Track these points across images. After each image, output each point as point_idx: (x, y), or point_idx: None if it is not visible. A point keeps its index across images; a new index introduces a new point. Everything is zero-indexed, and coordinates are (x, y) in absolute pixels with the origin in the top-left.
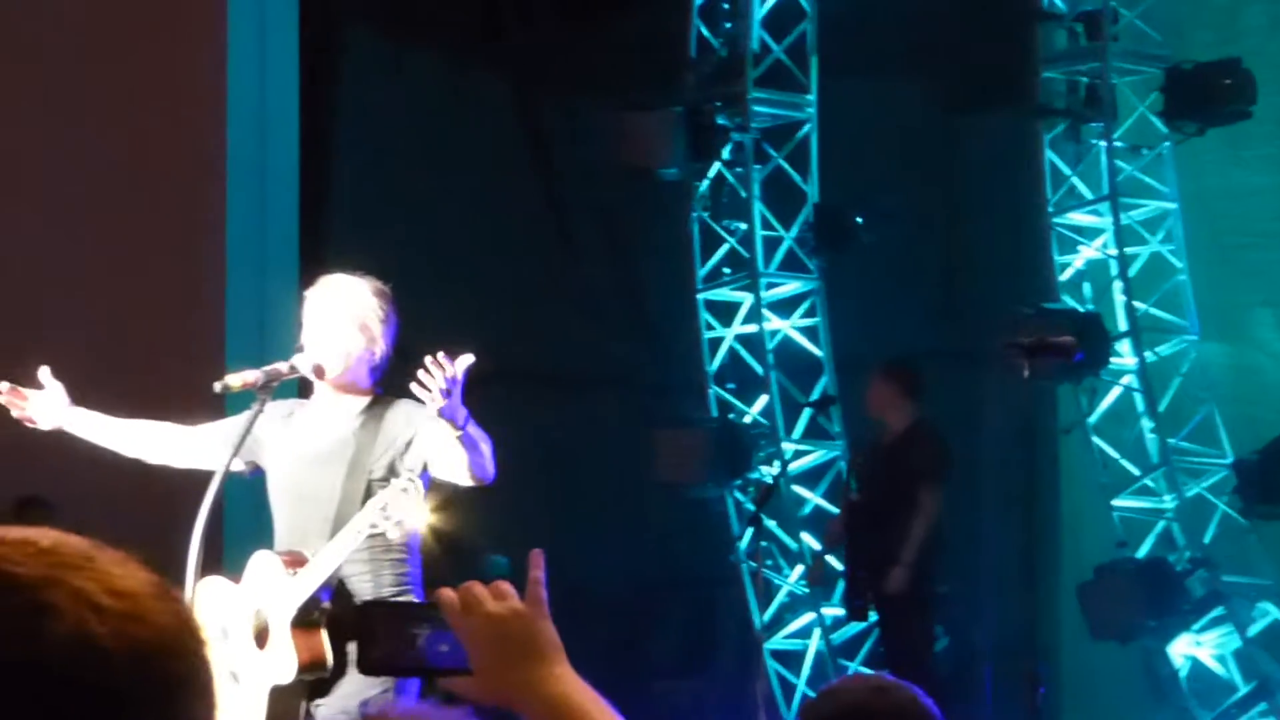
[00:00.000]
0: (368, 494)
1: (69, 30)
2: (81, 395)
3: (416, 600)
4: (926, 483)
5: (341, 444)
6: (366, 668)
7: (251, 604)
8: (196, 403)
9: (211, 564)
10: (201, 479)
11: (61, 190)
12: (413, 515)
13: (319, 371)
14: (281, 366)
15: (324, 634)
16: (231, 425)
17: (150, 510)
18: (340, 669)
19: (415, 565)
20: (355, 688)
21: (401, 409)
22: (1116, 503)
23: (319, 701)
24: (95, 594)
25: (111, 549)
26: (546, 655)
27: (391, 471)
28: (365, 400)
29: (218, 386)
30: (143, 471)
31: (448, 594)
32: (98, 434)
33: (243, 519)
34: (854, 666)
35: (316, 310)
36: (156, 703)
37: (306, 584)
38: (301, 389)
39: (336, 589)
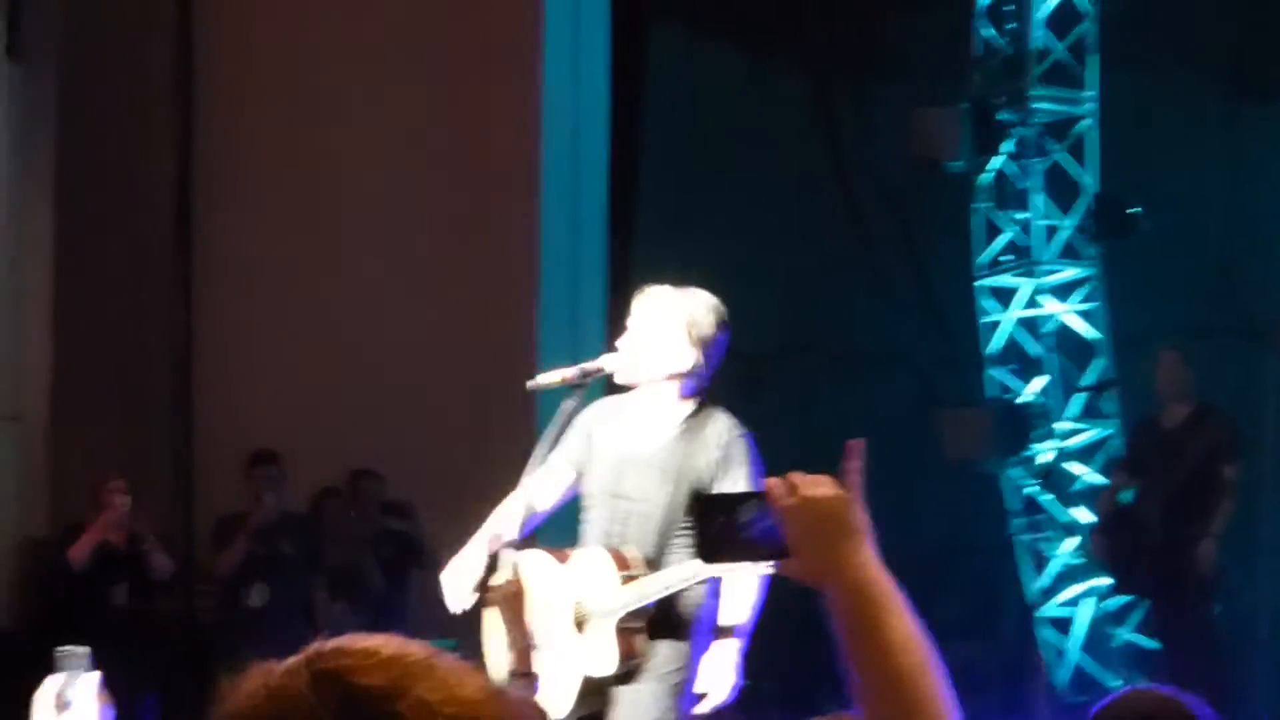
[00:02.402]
0: (690, 503)
1: (398, 46)
2: (406, 393)
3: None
4: (1229, 459)
5: (663, 451)
6: (703, 554)
7: (575, 590)
8: (511, 400)
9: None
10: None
11: (393, 196)
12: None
13: (624, 372)
14: (591, 365)
15: (644, 636)
16: (561, 450)
17: (474, 482)
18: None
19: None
20: (654, 682)
21: (720, 421)
22: None
23: (623, 687)
24: (438, 703)
25: (450, 657)
26: (856, 536)
27: (711, 485)
28: (687, 408)
29: (530, 385)
30: (468, 445)
31: (774, 480)
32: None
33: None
34: (1124, 634)
35: (643, 315)
36: None
37: (638, 597)
38: (609, 389)
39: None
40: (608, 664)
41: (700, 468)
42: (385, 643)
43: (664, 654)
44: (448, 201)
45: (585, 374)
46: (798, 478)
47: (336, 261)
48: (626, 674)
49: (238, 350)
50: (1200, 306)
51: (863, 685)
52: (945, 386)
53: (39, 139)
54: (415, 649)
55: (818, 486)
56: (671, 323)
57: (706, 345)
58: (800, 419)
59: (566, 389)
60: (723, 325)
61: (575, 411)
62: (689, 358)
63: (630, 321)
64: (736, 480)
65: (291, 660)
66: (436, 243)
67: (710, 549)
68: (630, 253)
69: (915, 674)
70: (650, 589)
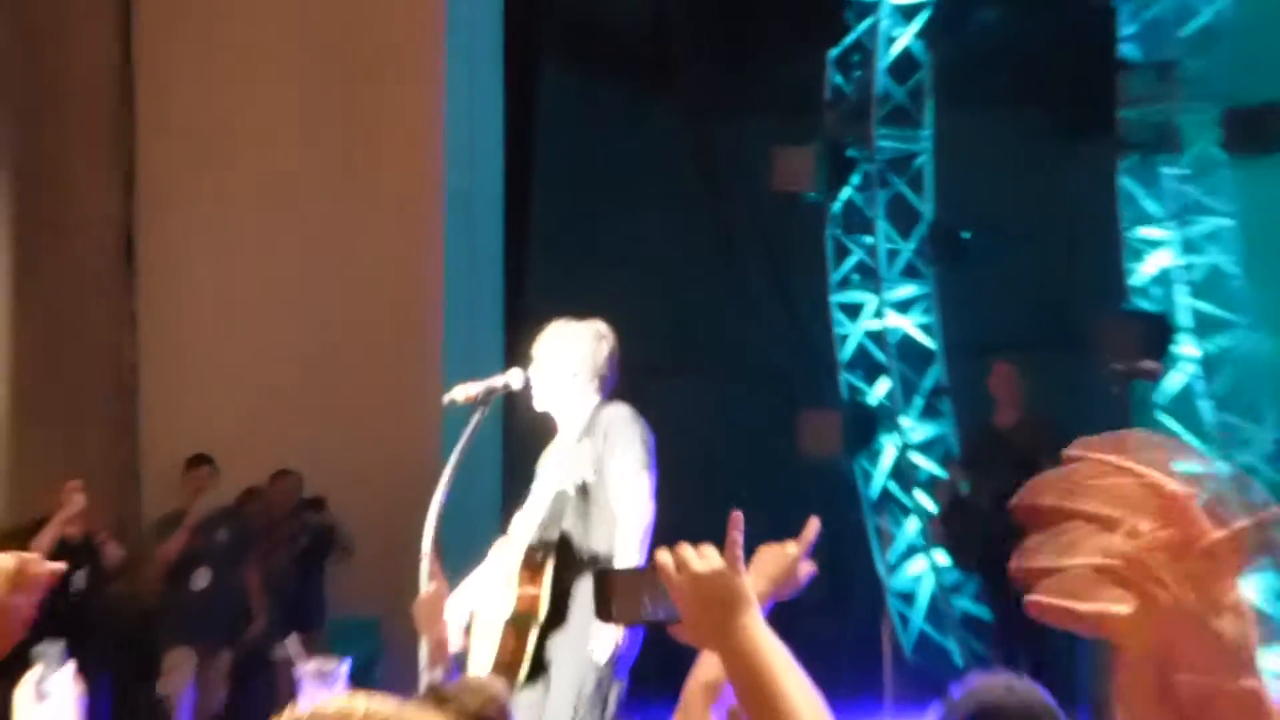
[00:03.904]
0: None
1: (313, 104)
2: (323, 403)
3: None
4: (1053, 459)
5: (565, 455)
6: (603, 618)
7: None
8: (416, 410)
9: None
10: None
11: (314, 234)
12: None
13: (539, 403)
14: (496, 382)
15: (546, 578)
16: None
17: (382, 480)
18: (566, 610)
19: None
20: (581, 632)
21: (610, 411)
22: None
23: (552, 636)
24: None
25: (411, 704)
26: (738, 607)
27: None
28: (590, 415)
29: (445, 401)
30: (377, 448)
31: (663, 557)
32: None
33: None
34: (960, 605)
35: (546, 352)
36: None
37: (525, 526)
38: (506, 400)
39: (560, 541)
40: (509, 606)
41: (587, 455)
42: (355, 699)
43: (570, 664)
44: (363, 238)
45: (490, 391)
46: (686, 553)
47: (263, 290)
48: (548, 621)
49: (177, 368)
50: (1027, 321)
51: None
52: (804, 391)
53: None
54: (383, 704)
55: (703, 562)
56: (570, 357)
57: (602, 373)
58: (679, 425)
59: (471, 406)
60: (613, 351)
61: (481, 423)
62: (589, 386)
63: (534, 357)
64: (616, 455)
65: None
66: (353, 275)
67: (610, 617)
68: (523, 277)
69: None
70: (531, 513)
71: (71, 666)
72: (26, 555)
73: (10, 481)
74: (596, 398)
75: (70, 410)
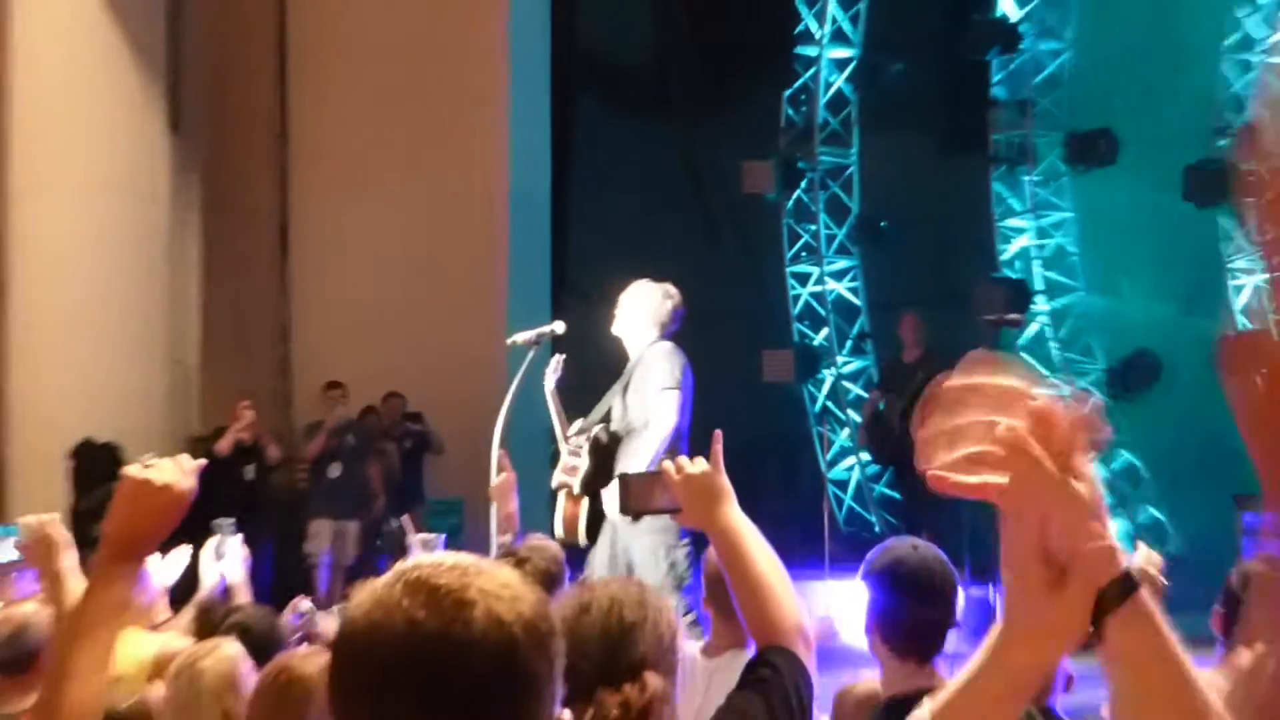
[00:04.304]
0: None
1: (412, 123)
2: (422, 344)
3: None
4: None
5: (623, 375)
6: (624, 512)
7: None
8: (489, 350)
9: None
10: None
11: (416, 224)
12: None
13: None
14: (544, 329)
15: (583, 458)
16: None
17: (463, 400)
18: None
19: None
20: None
21: (655, 345)
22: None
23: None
24: (491, 588)
25: (487, 560)
26: (720, 498)
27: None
28: (645, 348)
29: (508, 342)
30: (460, 377)
31: (666, 463)
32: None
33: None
34: (879, 488)
35: (623, 304)
36: (538, 649)
37: (578, 424)
38: (553, 342)
39: (610, 435)
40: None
41: (634, 375)
42: (447, 556)
43: (646, 545)
44: (451, 227)
45: (540, 335)
46: (681, 460)
47: (380, 264)
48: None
49: (318, 320)
50: (923, 286)
51: (737, 594)
52: (766, 336)
53: (191, 185)
54: (468, 557)
55: (695, 466)
56: (637, 309)
57: (663, 321)
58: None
59: (528, 347)
60: (676, 306)
61: (534, 359)
62: (650, 332)
63: (619, 302)
64: (650, 377)
65: (385, 576)
66: (443, 253)
67: (630, 510)
68: (564, 254)
69: (770, 584)
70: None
71: (240, 535)
72: (181, 456)
73: (203, 401)
74: (654, 336)
75: (242, 350)
